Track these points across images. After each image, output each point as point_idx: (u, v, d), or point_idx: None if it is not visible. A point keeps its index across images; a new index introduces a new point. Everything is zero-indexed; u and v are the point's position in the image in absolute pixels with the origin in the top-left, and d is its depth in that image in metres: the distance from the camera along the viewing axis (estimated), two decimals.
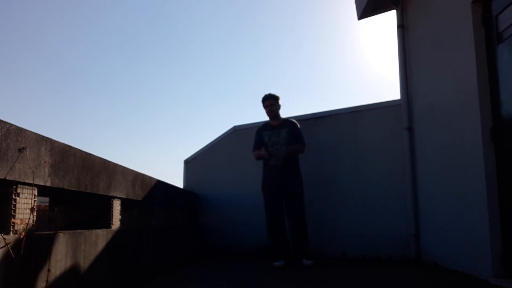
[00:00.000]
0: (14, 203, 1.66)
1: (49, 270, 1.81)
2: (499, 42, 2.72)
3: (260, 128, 4.26)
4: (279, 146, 3.98)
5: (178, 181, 6.12)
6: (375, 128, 4.47)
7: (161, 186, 3.71)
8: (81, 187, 2.17)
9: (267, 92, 4.18)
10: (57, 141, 1.96)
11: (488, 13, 2.84)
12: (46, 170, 1.85)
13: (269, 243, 4.22)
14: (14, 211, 1.66)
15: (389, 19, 7.62)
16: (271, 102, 4.11)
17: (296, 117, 4.67)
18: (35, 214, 1.75)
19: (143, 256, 3.08)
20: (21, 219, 1.67)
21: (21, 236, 1.63)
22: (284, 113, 4.34)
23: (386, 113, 4.45)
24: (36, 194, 1.79)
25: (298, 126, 4.15)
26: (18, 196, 1.68)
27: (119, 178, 2.70)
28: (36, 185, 1.76)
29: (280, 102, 4.19)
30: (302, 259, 3.84)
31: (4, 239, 1.53)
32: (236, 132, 5.28)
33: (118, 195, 2.67)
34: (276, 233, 4.03)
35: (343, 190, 4.51)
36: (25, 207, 1.71)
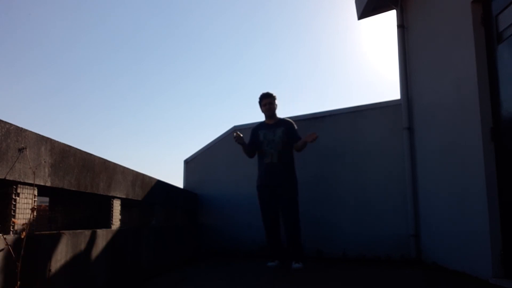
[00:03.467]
0: (14, 203, 1.66)
1: (49, 270, 1.81)
2: (499, 42, 2.72)
3: (255, 126, 4.22)
4: (275, 145, 3.93)
5: (178, 181, 6.12)
6: (375, 128, 4.47)
7: (161, 186, 3.71)
8: (81, 187, 2.17)
9: (264, 92, 4.11)
10: (57, 141, 1.96)
11: (488, 13, 2.84)
12: (46, 170, 1.85)
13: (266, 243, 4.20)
14: (14, 211, 1.66)
15: (389, 19, 7.62)
16: (269, 100, 4.07)
17: (296, 117, 4.67)
18: (35, 214, 1.75)
19: (143, 256, 3.08)
20: (22, 222, 1.67)
21: (22, 236, 1.63)
22: (284, 113, 4.35)
23: (386, 113, 4.45)
24: (36, 194, 1.79)
25: (295, 125, 4.07)
26: (18, 196, 1.68)
27: (119, 178, 2.70)
28: (36, 185, 1.76)
29: (277, 101, 4.14)
30: (292, 262, 3.74)
31: (5, 239, 1.53)
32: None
33: (118, 195, 2.67)
34: (271, 233, 4.01)
35: (343, 190, 4.51)
36: (25, 207, 1.71)
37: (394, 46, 4.51)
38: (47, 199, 2.67)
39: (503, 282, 2.53)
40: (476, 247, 2.86)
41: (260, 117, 4.37)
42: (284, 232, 3.92)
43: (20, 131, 1.67)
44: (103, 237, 2.40)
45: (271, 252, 4.02)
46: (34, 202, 1.76)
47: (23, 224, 1.67)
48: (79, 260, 2.11)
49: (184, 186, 5.47)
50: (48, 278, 1.80)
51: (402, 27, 4.43)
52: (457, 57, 3.16)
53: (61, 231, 1.92)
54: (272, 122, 4.10)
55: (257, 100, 4.17)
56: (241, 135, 3.96)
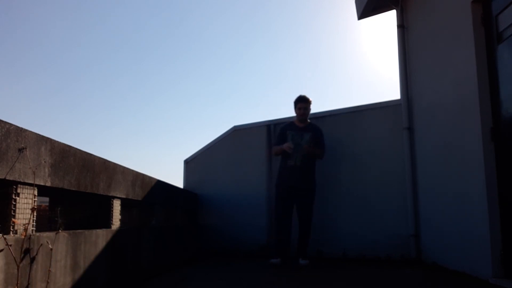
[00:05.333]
0: (14, 203, 1.66)
1: (49, 270, 1.81)
2: (499, 42, 2.72)
3: (285, 126, 4.31)
4: (300, 148, 4.05)
5: (178, 181, 6.12)
6: (375, 128, 4.47)
7: (161, 186, 3.71)
8: (81, 187, 2.17)
9: (301, 95, 4.20)
10: (57, 141, 1.96)
11: (488, 13, 2.84)
12: (46, 170, 1.85)
13: (271, 240, 4.28)
14: (14, 211, 1.66)
15: (389, 19, 7.61)
16: (305, 105, 4.18)
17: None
18: (35, 214, 1.75)
19: (143, 256, 3.08)
20: (23, 222, 1.67)
21: (22, 236, 1.63)
22: (285, 113, 4.36)
23: (386, 113, 4.45)
24: (36, 194, 1.79)
25: (323, 132, 4.22)
26: (18, 196, 1.68)
27: (119, 178, 2.70)
28: (36, 185, 1.75)
29: (311, 106, 4.23)
30: (299, 258, 3.93)
31: (5, 239, 1.53)
32: (236, 132, 5.28)
33: (118, 195, 2.67)
34: (282, 232, 4.10)
35: (343, 190, 4.51)
36: (25, 207, 1.71)
37: (394, 46, 4.52)
38: (47, 199, 2.67)
39: (503, 282, 2.53)
40: (476, 247, 2.86)
41: (260, 117, 4.38)
42: (298, 229, 4.10)
43: (20, 131, 1.67)
44: (103, 237, 2.40)
45: (276, 250, 4.09)
46: (34, 202, 1.76)
47: (22, 223, 1.66)
48: (79, 260, 2.11)
49: (184, 186, 5.47)
50: (48, 278, 1.80)
51: (402, 27, 4.43)
52: (457, 57, 3.16)
53: (61, 231, 1.92)
54: (302, 125, 4.21)
55: (258, 100, 4.26)
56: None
